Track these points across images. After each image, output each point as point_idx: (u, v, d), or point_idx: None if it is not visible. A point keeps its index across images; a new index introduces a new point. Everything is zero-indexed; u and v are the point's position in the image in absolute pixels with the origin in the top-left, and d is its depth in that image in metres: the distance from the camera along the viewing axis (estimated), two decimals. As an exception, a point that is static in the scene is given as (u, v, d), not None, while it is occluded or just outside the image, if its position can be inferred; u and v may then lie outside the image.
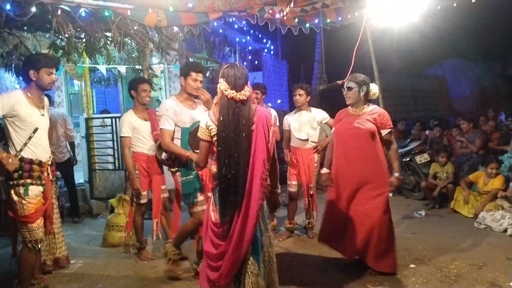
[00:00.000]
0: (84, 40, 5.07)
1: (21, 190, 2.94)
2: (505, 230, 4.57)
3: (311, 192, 4.71)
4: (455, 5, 5.43)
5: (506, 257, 3.87)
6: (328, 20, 5.37)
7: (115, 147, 6.34)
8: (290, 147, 4.76)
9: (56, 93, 8.97)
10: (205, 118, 2.57)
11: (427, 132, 8.05)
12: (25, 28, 4.86)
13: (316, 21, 5.28)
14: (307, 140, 4.63)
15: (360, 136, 3.51)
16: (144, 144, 4.08)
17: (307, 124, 4.63)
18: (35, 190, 2.99)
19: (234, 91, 2.44)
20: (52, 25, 4.18)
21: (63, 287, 3.55)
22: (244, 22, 5.08)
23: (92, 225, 5.69)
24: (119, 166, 6.33)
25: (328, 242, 3.83)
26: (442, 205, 5.86)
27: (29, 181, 2.95)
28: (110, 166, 6.43)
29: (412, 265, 3.74)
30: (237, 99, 2.44)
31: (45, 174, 3.09)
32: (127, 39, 4.97)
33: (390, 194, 6.52)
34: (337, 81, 4.69)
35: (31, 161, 2.98)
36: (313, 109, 4.75)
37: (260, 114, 2.50)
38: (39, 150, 3.06)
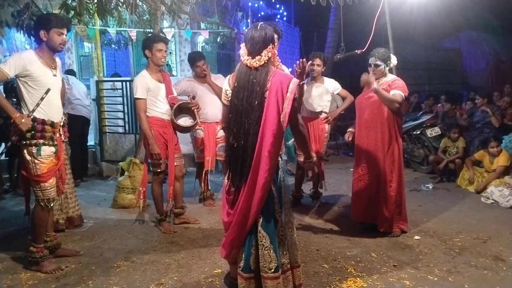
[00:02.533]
0: (95, 1, 5.01)
1: (34, 150, 2.97)
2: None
3: (320, 162, 4.72)
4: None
5: (511, 232, 3.90)
6: None
7: (126, 111, 6.37)
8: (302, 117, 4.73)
9: (66, 55, 8.94)
10: (225, 84, 2.53)
11: (438, 105, 7.94)
12: (37, -13, 4.80)
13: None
14: (320, 111, 4.61)
15: (375, 104, 3.74)
16: (159, 108, 3.87)
17: (320, 96, 4.58)
18: (47, 150, 3.01)
19: (250, 57, 2.37)
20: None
21: (75, 245, 3.65)
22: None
23: (102, 187, 5.82)
24: (129, 129, 6.39)
25: (363, 219, 3.96)
26: (450, 179, 5.86)
27: (41, 141, 2.98)
28: (121, 130, 6.49)
29: (417, 237, 3.78)
30: (251, 66, 2.36)
31: (57, 134, 3.10)
32: (138, 1, 4.90)
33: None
34: (355, 50, 4.60)
35: (43, 122, 2.99)
36: (326, 79, 4.69)
37: (275, 81, 2.33)
38: (51, 110, 3.06)
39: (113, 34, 7.55)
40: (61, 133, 3.15)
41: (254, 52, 2.36)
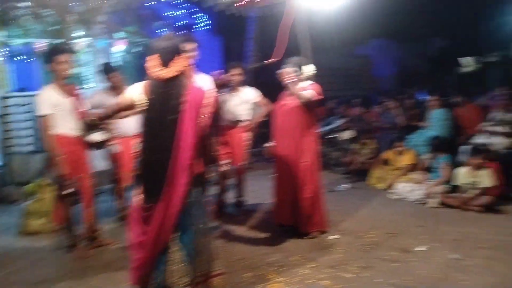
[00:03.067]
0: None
1: None
2: (420, 201, 4.98)
3: (241, 170, 4.79)
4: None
5: (417, 224, 4.25)
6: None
7: (34, 128, 5.93)
8: (222, 127, 4.76)
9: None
10: (138, 88, 2.42)
11: (352, 109, 8.43)
12: None
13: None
14: (240, 120, 4.68)
15: (290, 111, 3.91)
16: (67, 124, 3.59)
17: (239, 105, 4.66)
18: None
19: (161, 68, 2.32)
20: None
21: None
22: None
23: (9, 212, 5.32)
24: (38, 148, 5.95)
25: (284, 222, 4.06)
26: (363, 179, 6.24)
27: None
28: (29, 149, 6.03)
29: (334, 236, 3.97)
30: (162, 78, 2.31)
31: None
32: (45, 10, 4.61)
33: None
34: (269, 60, 4.76)
35: None
36: (246, 88, 4.78)
37: (191, 94, 2.32)
38: None
39: (18, 45, 7.01)
40: None
41: (164, 63, 2.31)
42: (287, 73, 3.95)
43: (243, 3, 5.51)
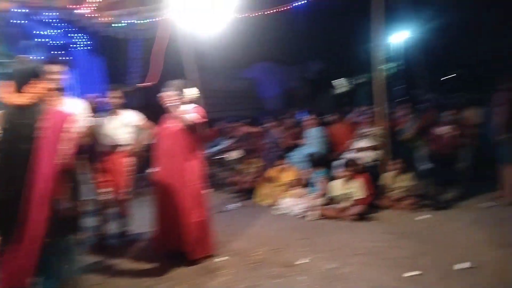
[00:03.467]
0: None
1: None
2: (302, 215, 5.26)
3: (126, 197, 4.55)
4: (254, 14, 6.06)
5: (299, 238, 4.47)
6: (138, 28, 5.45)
7: None
8: (101, 152, 4.48)
9: None
10: None
11: (240, 129, 8.66)
12: None
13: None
14: (121, 145, 4.45)
15: (174, 134, 3.83)
16: None
17: (119, 128, 4.45)
18: None
19: (14, 94, 2.11)
20: None
21: None
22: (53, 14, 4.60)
23: None
24: None
25: (164, 247, 3.94)
26: (252, 197, 6.41)
27: None
28: None
29: (223, 258, 3.97)
30: (16, 104, 2.11)
31: None
32: None
33: (210, 190, 6.89)
34: (143, 84, 4.66)
35: None
36: (127, 111, 4.59)
37: (50, 120, 2.14)
38: None
39: None
40: None
41: (18, 88, 2.13)
42: (168, 96, 3.90)
43: (118, 25, 5.40)
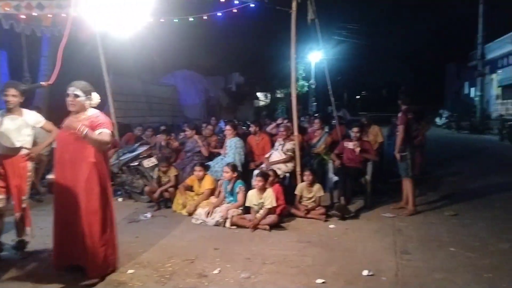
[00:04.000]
0: None
1: None
2: (218, 224, 5.21)
3: (24, 205, 4.13)
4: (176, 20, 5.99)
5: (214, 247, 4.41)
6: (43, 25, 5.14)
7: None
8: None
9: None
10: None
11: (157, 136, 8.41)
12: None
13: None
14: (19, 147, 4.05)
15: (79, 141, 3.49)
16: None
17: (18, 130, 4.05)
18: None
19: None
20: None
21: None
22: None
23: None
24: None
25: (63, 262, 3.64)
26: (167, 205, 6.22)
27: None
28: None
29: (130, 271, 3.77)
30: None
31: None
32: None
33: (120, 199, 6.56)
34: (41, 83, 4.32)
35: None
36: (25, 111, 4.19)
37: None
38: None
39: None
40: None
41: None
42: (70, 97, 3.59)
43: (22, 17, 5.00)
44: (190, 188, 6.08)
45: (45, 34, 9.70)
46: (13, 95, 4.01)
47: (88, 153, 3.51)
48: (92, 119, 3.59)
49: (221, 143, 7.36)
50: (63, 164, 3.58)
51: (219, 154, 6.89)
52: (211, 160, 6.77)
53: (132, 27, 4.83)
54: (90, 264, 3.50)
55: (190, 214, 5.67)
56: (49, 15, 6.09)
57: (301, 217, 5.48)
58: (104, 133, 3.56)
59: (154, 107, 14.54)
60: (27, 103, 4.28)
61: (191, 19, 7.40)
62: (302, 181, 5.74)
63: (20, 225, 4.18)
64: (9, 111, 4.05)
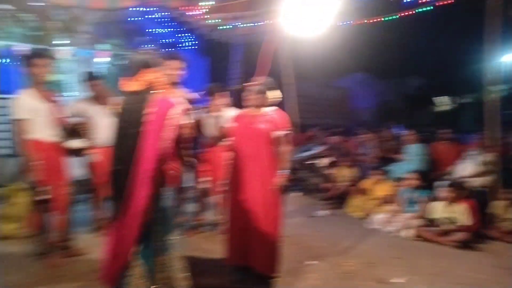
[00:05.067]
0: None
1: None
2: (395, 233, 5.02)
3: (222, 189, 4.73)
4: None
5: (392, 256, 4.27)
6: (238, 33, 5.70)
7: (12, 131, 5.73)
8: (204, 144, 4.72)
9: None
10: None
11: (332, 137, 8.57)
12: None
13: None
14: (221, 139, 4.65)
15: (255, 135, 3.47)
16: (44, 130, 3.53)
17: (223, 124, 4.65)
18: None
19: (129, 81, 2.34)
20: None
21: None
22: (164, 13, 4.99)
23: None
24: (15, 152, 5.77)
25: (238, 261, 3.53)
26: (342, 206, 6.27)
27: None
28: (5, 152, 5.83)
29: (312, 262, 3.94)
30: (129, 90, 2.34)
31: None
32: (28, 14, 4.55)
33: (300, 194, 6.90)
34: (245, 83, 4.75)
35: None
36: (228, 108, 4.78)
37: (155, 107, 2.31)
38: None
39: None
40: None
41: (131, 76, 2.36)
42: (251, 93, 3.57)
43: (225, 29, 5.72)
44: (365, 192, 6.00)
45: (238, 41, 10.94)
46: (220, 95, 4.63)
47: (269, 148, 3.45)
48: (271, 116, 3.53)
49: (397, 148, 7.03)
50: (241, 157, 3.48)
51: (394, 159, 6.61)
52: (386, 165, 6.55)
53: (318, 30, 5.00)
54: (262, 258, 3.40)
55: (365, 218, 5.60)
56: (243, 26, 6.78)
57: (498, 239, 4.80)
58: (286, 149, 3.48)
59: (327, 109, 14.82)
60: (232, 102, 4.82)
61: (372, 21, 7.24)
62: (501, 199, 5.02)
63: (218, 206, 4.80)
64: (215, 108, 4.68)
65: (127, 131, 2.29)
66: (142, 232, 2.33)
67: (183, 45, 12.49)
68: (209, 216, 4.90)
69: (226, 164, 4.65)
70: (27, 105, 3.46)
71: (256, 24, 6.62)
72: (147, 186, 2.25)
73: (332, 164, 6.82)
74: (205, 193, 4.74)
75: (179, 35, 12.60)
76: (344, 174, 6.41)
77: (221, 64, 11.60)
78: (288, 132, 3.51)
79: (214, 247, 4.25)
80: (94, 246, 4.04)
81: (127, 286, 2.35)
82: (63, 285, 3.21)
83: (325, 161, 6.94)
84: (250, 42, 7.64)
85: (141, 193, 2.24)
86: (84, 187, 4.63)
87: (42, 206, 3.55)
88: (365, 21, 7.22)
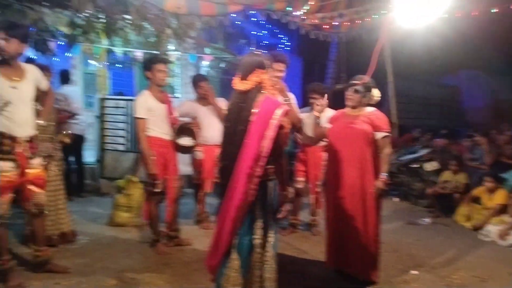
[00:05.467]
0: (102, 20, 5.12)
1: None
2: (510, 246, 4.54)
3: (318, 189, 4.72)
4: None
5: (509, 272, 3.85)
6: (342, 31, 5.59)
7: (128, 129, 6.39)
8: (303, 144, 4.74)
9: (72, 71, 9.05)
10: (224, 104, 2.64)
11: (436, 140, 7.99)
12: (45, 3, 4.92)
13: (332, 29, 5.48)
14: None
15: (354, 136, 3.39)
16: (160, 128, 3.84)
17: (323, 123, 4.63)
18: (3, 165, 2.89)
19: (239, 81, 2.44)
20: (71, 2, 4.23)
21: (67, 262, 3.56)
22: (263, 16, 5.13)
23: (99, 204, 5.76)
24: (130, 148, 6.39)
25: (336, 265, 3.52)
26: (448, 214, 5.81)
27: None
28: (121, 148, 6.49)
29: (414, 271, 3.73)
30: (239, 89, 2.44)
31: (18, 149, 2.94)
32: (145, 23, 5.01)
33: (397, 199, 6.58)
34: (353, 81, 4.60)
35: (1, 134, 2.88)
36: (326, 109, 4.73)
37: (262, 106, 2.39)
38: (12, 124, 2.91)
39: (119, 54, 7.67)
40: (24, 148, 2.99)
41: (243, 76, 2.44)
42: (352, 92, 3.48)
43: (327, 27, 5.63)
44: (477, 200, 5.48)
45: (334, 40, 10.76)
46: (319, 95, 4.58)
47: (363, 148, 3.35)
48: (369, 117, 3.42)
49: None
50: (339, 160, 3.41)
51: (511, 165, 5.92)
52: (501, 171, 5.89)
53: (428, 20, 4.65)
54: (362, 263, 3.35)
55: (476, 229, 5.12)
56: (345, 23, 6.63)
57: None
58: (386, 151, 3.38)
59: (431, 109, 13.84)
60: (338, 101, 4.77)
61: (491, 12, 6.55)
62: None
63: (313, 207, 4.80)
64: (313, 109, 4.66)
65: (236, 128, 2.41)
66: (242, 226, 2.43)
67: (279, 46, 12.68)
68: (304, 216, 4.92)
69: (323, 165, 4.65)
70: (146, 105, 3.80)
71: (361, 20, 6.42)
72: (248, 182, 2.34)
73: (438, 169, 6.35)
74: (300, 193, 4.77)
75: (275, 36, 12.83)
76: (451, 180, 5.93)
77: (315, 64, 11.53)
78: (387, 133, 3.40)
79: (308, 247, 4.27)
80: (198, 237, 4.34)
81: (223, 277, 2.46)
82: (169, 272, 3.46)
83: (429, 165, 6.48)
84: (351, 40, 7.47)
85: (240, 189, 2.34)
86: (188, 182, 4.98)
87: (154, 197, 3.90)
88: (482, 13, 6.54)
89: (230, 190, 2.38)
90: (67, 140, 3.98)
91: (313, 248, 4.26)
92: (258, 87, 2.43)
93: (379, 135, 3.38)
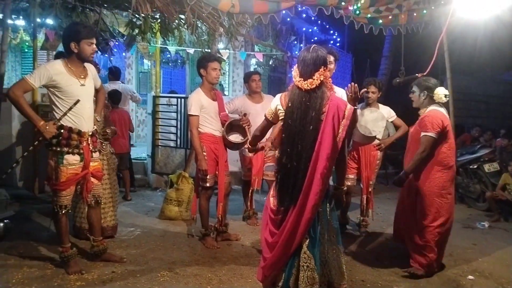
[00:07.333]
0: (159, 20, 5.29)
1: (57, 157, 3.04)
2: None
3: (370, 189, 4.62)
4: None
5: None
6: (399, 23, 5.38)
7: (179, 126, 6.58)
8: (353, 142, 4.65)
9: (126, 70, 9.48)
10: (276, 101, 2.55)
11: (497, 140, 7.53)
12: (105, 5, 5.18)
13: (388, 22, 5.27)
14: (373, 137, 4.52)
15: (412, 137, 3.70)
16: (211, 125, 3.95)
17: (375, 121, 4.50)
18: (70, 159, 3.07)
19: (302, 79, 2.37)
20: (130, 4, 4.42)
21: (122, 252, 3.75)
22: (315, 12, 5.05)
23: (151, 197, 5.99)
24: (181, 144, 6.58)
25: (402, 241, 3.83)
26: (508, 219, 5.47)
27: (65, 149, 3.03)
28: (172, 144, 6.69)
29: (470, 276, 3.54)
30: (303, 88, 2.37)
31: (84, 144, 3.13)
32: (199, 22, 5.12)
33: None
34: (417, 74, 4.42)
35: (70, 130, 3.05)
36: (381, 106, 4.61)
37: (332, 105, 2.33)
38: (80, 120, 3.10)
39: (173, 52, 7.92)
40: (89, 142, 3.18)
41: (305, 74, 2.37)
42: (410, 94, 3.68)
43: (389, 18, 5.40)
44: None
45: (388, 36, 10.39)
46: (372, 92, 4.49)
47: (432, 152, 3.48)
48: (423, 117, 3.51)
49: None
50: (410, 158, 3.60)
51: None
52: None
53: (492, 11, 4.37)
54: (415, 246, 3.55)
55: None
56: (402, 16, 6.31)
57: None
58: (422, 144, 3.43)
59: (492, 107, 13.02)
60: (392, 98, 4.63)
61: None
62: None
63: (364, 207, 4.69)
64: (368, 105, 4.57)
65: (303, 129, 2.35)
66: (310, 226, 2.40)
67: (329, 42, 12.48)
68: (352, 215, 4.83)
69: (375, 164, 4.54)
70: (199, 102, 3.91)
71: (419, 12, 6.09)
72: (322, 182, 2.31)
73: (498, 170, 5.98)
74: (349, 191, 4.68)
75: (326, 32, 12.64)
76: (510, 183, 5.56)
77: (366, 60, 11.20)
78: (426, 134, 3.41)
79: (358, 247, 4.20)
80: (245, 233, 4.40)
81: (291, 277, 2.42)
82: (218, 266, 3.53)
83: (490, 166, 6.10)
84: (409, 33, 7.19)
85: (315, 189, 2.31)
86: (236, 179, 5.05)
87: (205, 192, 4.00)
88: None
89: (303, 191, 2.33)
90: (111, 135, 4.05)
91: (362, 247, 4.18)
92: (322, 85, 2.38)
93: (421, 135, 3.46)
